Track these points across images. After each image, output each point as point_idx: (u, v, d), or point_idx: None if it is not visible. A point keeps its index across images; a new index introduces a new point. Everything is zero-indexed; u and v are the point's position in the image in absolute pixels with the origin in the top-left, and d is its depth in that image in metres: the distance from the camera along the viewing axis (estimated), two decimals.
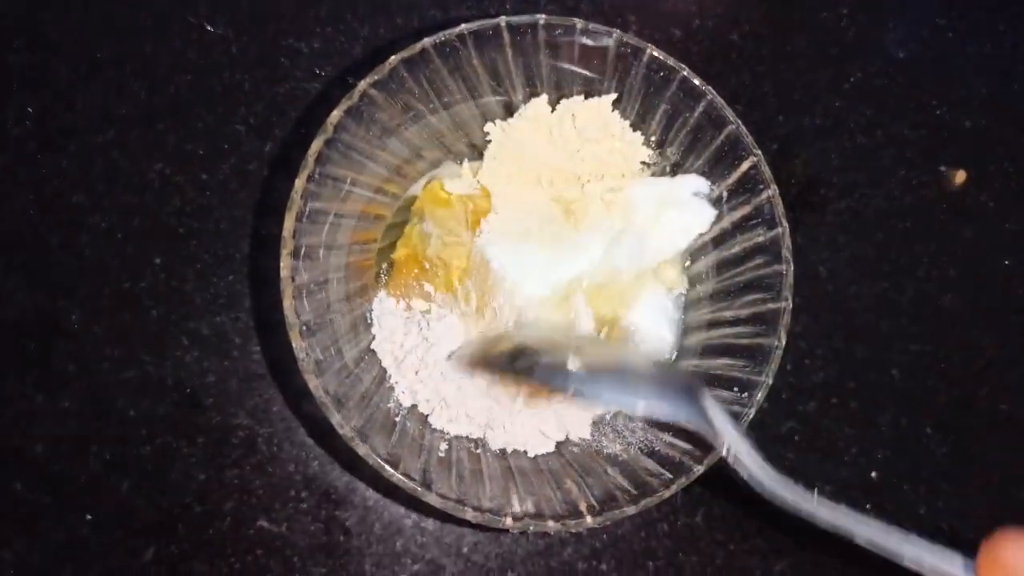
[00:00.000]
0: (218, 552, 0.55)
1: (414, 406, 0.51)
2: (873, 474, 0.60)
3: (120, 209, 0.59)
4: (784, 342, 0.48)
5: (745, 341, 0.50)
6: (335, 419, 0.44)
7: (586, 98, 0.54)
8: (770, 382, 0.47)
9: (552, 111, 0.54)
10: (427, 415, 0.51)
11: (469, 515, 0.44)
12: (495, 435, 0.51)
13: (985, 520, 0.60)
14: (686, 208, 0.54)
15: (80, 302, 0.57)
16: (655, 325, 0.55)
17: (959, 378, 0.62)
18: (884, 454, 0.60)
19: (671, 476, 0.46)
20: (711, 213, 0.53)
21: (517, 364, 0.49)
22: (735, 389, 0.48)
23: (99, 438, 0.56)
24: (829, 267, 0.63)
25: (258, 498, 0.56)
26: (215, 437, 0.56)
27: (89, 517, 0.54)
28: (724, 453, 0.45)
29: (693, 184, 0.54)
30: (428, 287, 0.53)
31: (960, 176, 0.65)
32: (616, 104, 0.54)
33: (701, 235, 0.54)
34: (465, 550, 0.56)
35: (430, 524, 0.56)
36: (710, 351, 0.52)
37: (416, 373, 0.51)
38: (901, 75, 0.67)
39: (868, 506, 0.59)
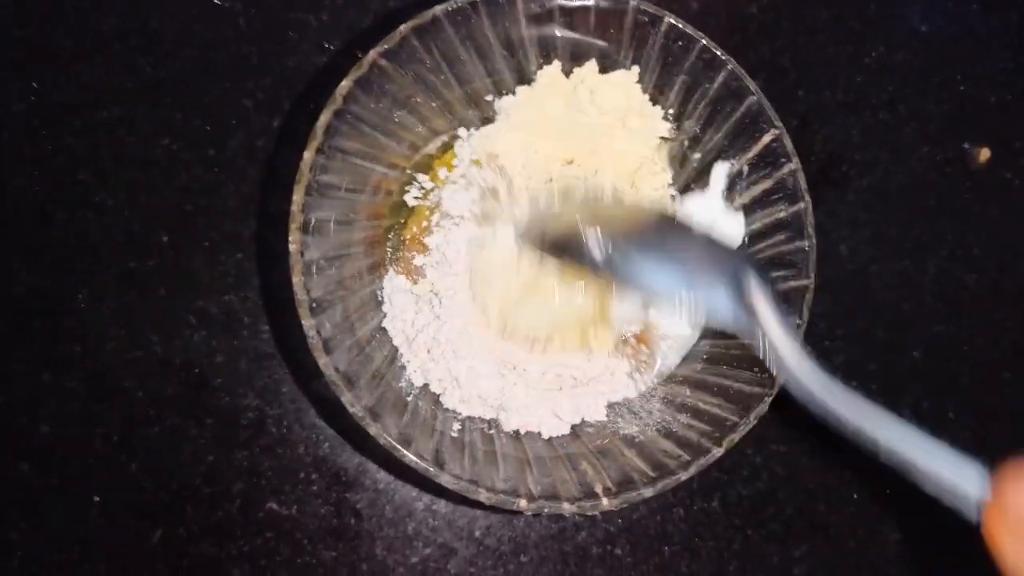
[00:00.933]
0: (227, 535, 0.54)
1: (426, 385, 0.50)
2: None
3: (126, 186, 0.58)
4: (807, 321, 0.46)
5: None
6: (346, 398, 0.43)
7: (603, 71, 0.52)
8: None
9: (568, 78, 0.53)
10: (439, 395, 0.50)
11: (482, 496, 0.43)
12: (508, 416, 0.50)
13: None
14: (719, 224, 0.52)
15: (86, 281, 0.56)
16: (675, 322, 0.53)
17: (982, 360, 0.61)
18: None
19: (689, 458, 0.45)
20: (740, 220, 0.52)
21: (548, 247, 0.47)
22: (755, 370, 0.47)
23: (106, 419, 0.55)
24: (850, 245, 0.61)
25: (267, 480, 0.55)
26: (224, 418, 0.55)
27: (96, 499, 0.54)
28: (759, 349, 0.42)
29: (719, 177, 0.53)
30: (420, 260, 0.52)
31: (984, 153, 0.64)
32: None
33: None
34: (478, 533, 0.55)
35: (442, 507, 0.56)
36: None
37: (428, 352, 0.50)
38: (924, 49, 0.65)
39: (888, 491, 0.58)
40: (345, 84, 0.45)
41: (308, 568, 0.54)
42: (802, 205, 0.48)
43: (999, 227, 0.63)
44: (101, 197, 0.57)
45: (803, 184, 0.48)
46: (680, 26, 0.49)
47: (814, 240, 0.48)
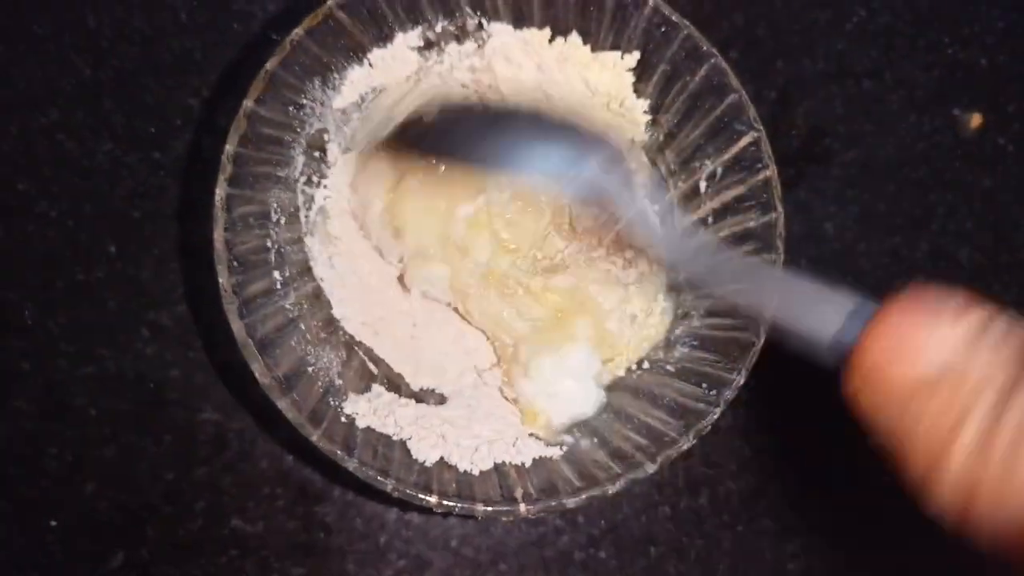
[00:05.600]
0: (190, 555, 0.52)
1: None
2: None
3: (69, 195, 0.55)
4: (761, 342, 0.44)
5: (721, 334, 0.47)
6: (255, 366, 0.41)
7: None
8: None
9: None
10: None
11: (389, 487, 0.41)
12: (419, 446, 0.46)
13: None
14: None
15: (31, 295, 0.54)
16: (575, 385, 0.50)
17: None
18: None
19: (620, 471, 0.43)
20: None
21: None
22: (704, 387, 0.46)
23: (58, 439, 0.53)
24: (836, 223, 0.59)
25: (230, 496, 0.53)
26: (182, 434, 0.53)
27: (53, 523, 0.52)
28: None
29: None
30: None
31: (976, 119, 0.62)
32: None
33: None
34: (454, 543, 0.53)
35: (415, 518, 0.54)
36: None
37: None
38: (908, 11, 0.63)
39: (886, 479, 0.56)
40: (271, 63, 0.43)
41: None
42: (773, 215, 0.45)
43: (993, 197, 0.61)
44: (43, 207, 0.55)
45: (778, 193, 0.45)
46: (666, 12, 0.47)
47: (782, 255, 0.45)
